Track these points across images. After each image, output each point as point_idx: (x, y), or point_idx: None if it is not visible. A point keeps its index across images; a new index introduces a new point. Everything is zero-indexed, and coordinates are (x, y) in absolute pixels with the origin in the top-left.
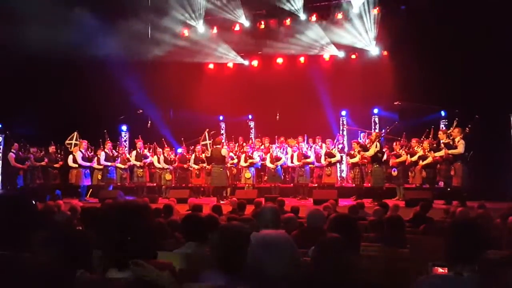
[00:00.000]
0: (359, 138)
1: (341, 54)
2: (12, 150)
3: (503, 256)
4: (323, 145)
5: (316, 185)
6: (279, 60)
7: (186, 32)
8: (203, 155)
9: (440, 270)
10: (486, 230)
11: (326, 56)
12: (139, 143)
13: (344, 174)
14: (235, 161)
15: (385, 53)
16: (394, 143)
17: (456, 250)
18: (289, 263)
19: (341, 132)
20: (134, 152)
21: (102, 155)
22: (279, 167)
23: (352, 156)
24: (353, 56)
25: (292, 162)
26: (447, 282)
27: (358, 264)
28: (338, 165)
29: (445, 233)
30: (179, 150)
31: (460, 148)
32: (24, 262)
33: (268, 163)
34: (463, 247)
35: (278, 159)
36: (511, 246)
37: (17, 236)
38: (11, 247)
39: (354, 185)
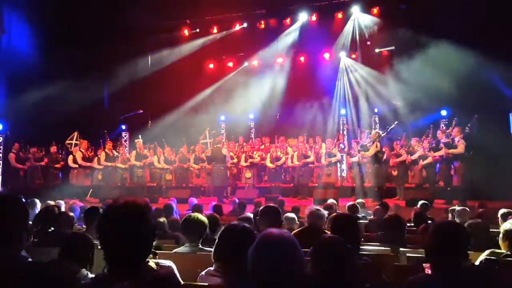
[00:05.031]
0: (359, 138)
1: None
2: (13, 150)
3: (489, 258)
4: (323, 144)
5: (316, 184)
6: (279, 60)
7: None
8: (203, 154)
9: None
10: (467, 232)
11: (326, 55)
12: (139, 143)
13: (344, 174)
14: (235, 160)
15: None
16: (394, 143)
17: (440, 252)
18: (293, 262)
19: (341, 131)
20: (134, 152)
21: (102, 155)
22: (279, 166)
23: (352, 156)
24: (353, 56)
25: (292, 161)
26: (437, 281)
27: (357, 263)
28: (338, 164)
29: (428, 237)
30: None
31: (461, 148)
32: (23, 262)
33: (268, 162)
34: (448, 250)
35: (278, 158)
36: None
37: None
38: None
39: (354, 184)
